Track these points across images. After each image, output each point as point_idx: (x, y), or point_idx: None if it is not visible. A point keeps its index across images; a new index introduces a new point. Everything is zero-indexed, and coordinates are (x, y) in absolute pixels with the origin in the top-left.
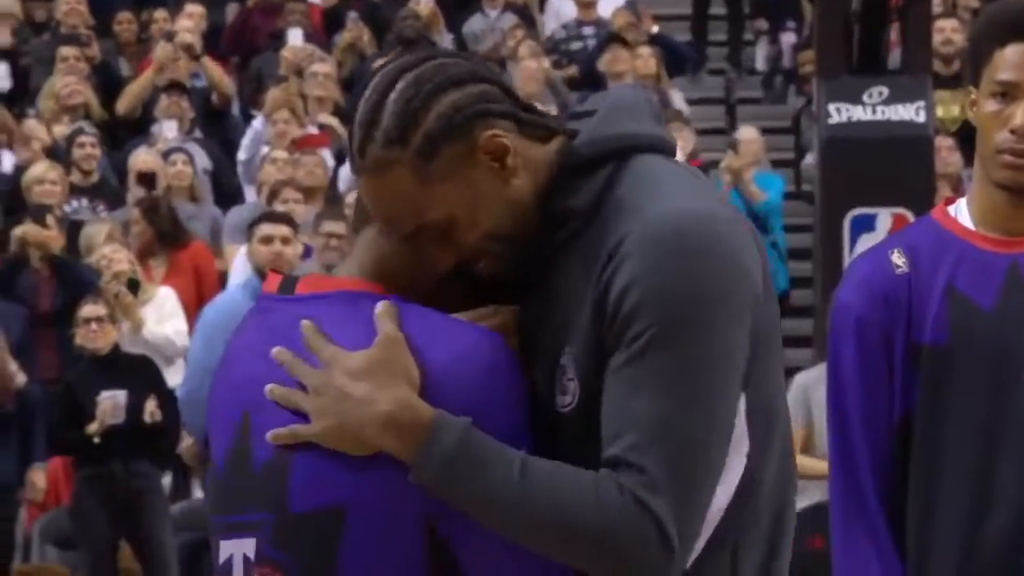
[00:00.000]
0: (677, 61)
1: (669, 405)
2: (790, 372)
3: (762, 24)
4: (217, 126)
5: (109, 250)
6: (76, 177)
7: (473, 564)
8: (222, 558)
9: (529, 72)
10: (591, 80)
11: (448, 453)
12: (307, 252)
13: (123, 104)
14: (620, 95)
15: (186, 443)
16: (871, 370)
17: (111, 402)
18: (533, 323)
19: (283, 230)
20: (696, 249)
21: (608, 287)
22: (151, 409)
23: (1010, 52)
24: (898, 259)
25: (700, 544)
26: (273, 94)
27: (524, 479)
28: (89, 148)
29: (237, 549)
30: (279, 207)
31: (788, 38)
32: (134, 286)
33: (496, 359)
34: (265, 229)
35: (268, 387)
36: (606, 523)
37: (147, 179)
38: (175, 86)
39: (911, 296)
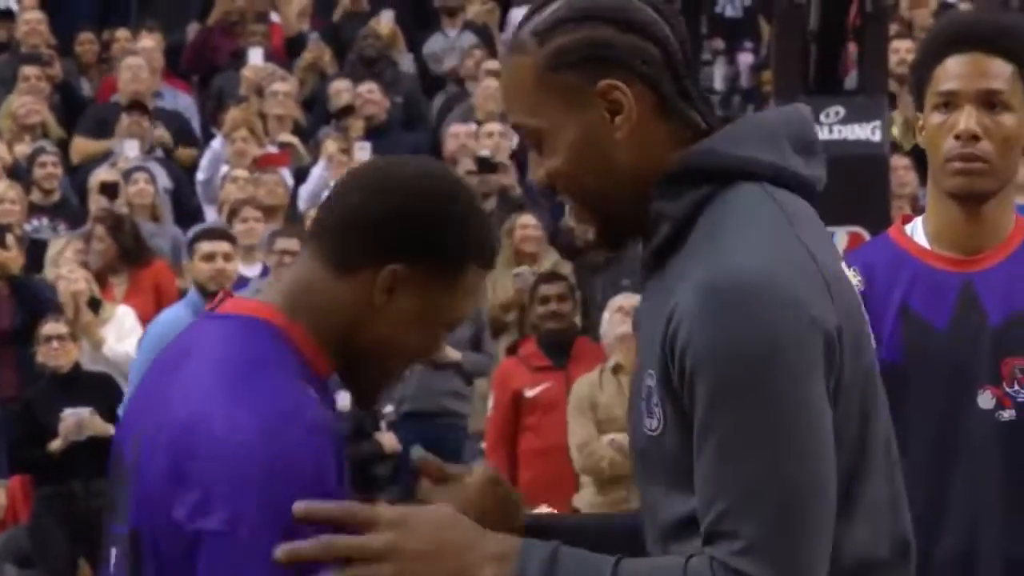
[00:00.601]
0: None
1: (747, 464)
2: None
3: (719, 44)
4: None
5: (66, 270)
6: (36, 196)
7: None
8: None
9: (490, 92)
10: None
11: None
12: (264, 271)
13: None
14: (766, 115)
15: None
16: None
17: (74, 419)
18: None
19: (224, 246)
20: (745, 306)
21: (673, 341)
22: (93, 420)
23: (950, 63)
24: (854, 277)
25: None
26: (232, 114)
27: None
28: (50, 167)
29: (111, 560)
30: (239, 226)
31: (746, 58)
32: (95, 305)
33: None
34: (205, 247)
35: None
36: None
37: (109, 189)
38: (136, 106)
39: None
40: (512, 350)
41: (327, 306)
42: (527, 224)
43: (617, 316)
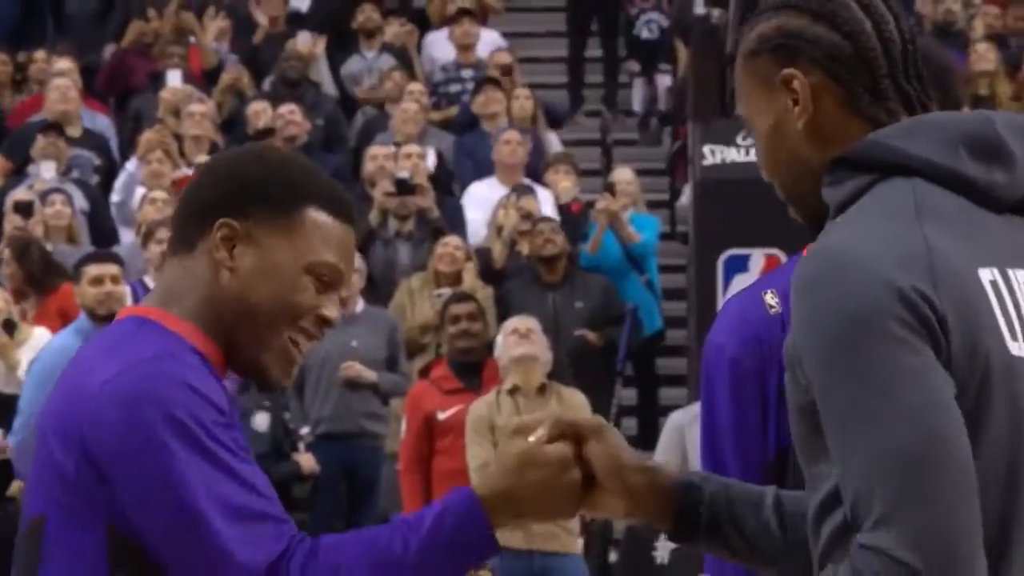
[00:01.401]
0: (551, 117)
1: (854, 438)
2: (665, 410)
3: (634, 66)
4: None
5: None
6: None
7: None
8: None
9: (408, 114)
10: (470, 122)
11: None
12: (136, 291)
13: None
14: (946, 117)
15: (16, 485)
16: (744, 412)
17: None
18: None
19: (111, 269)
20: (826, 280)
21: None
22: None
23: None
24: (771, 299)
25: None
26: (147, 136)
27: None
28: None
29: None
30: (154, 247)
31: (663, 80)
32: (9, 327)
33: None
34: (93, 270)
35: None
36: None
37: (24, 209)
38: (52, 127)
39: (784, 336)
40: (424, 372)
41: (188, 289)
42: (448, 244)
43: (512, 339)
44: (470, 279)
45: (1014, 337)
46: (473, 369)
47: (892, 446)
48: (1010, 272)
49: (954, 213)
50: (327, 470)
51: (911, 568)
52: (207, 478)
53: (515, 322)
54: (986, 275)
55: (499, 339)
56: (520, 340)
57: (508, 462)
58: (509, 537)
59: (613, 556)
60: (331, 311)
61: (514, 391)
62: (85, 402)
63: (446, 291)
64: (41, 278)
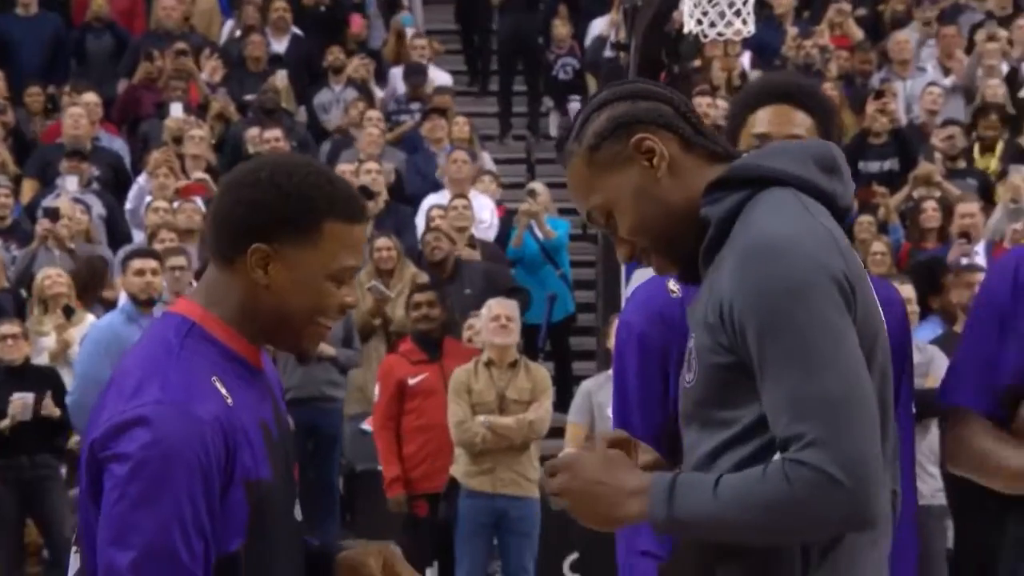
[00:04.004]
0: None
1: (797, 379)
2: (578, 380)
3: (550, 102)
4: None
5: (54, 272)
6: None
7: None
8: None
9: (372, 137)
10: (417, 144)
11: (662, 505)
12: None
13: None
14: (796, 143)
15: (75, 439)
16: (650, 382)
17: (21, 402)
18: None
19: (151, 263)
20: (772, 256)
21: (722, 306)
22: (47, 403)
23: (761, 113)
24: (673, 286)
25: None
26: (155, 156)
27: (716, 496)
28: (3, 197)
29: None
30: (157, 245)
31: (575, 107)
32: (68, 312)
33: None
34: (137, 264)
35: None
36: (781, 494)
37: (51, 213)
38: (75, 153)
39: (683, 315)
40: (393, 348)
41: (226, 295)
42: (382, 246)
43: (493, 325)
44: (408, 272)
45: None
46: (435, 344)
47: (829, 388)
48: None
49: (823, 211)
50: (296, 429)
51: (842, 483)
52: (155, 521)
53: (497, 308)
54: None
55: (483, 312)
56: (500, 329)
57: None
58: (478, 483)
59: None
60: (352, 297)
61: (490, 363)
62: (97, 431)
63: (374, 284)
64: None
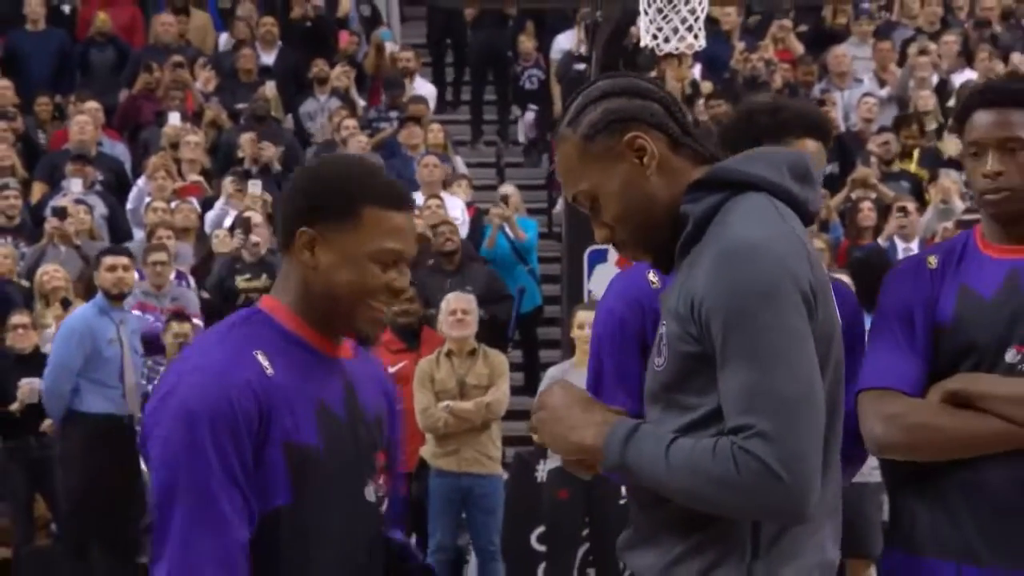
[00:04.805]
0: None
1: (754, 375)
2: (544, 366)
3: (517, 110)
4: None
5: (52, 268)
6: (2, 220)
7: None
8: None
9: (359, 144)
10: (395, 149)
11: (618, 444)
12: (141, 276)
13: None
14: (773, 150)
15: (48, 422)
16: (626, 363)
17: (29, 387)
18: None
19: (123, 260)
20: (745, 259)
21: (693, 300)
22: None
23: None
24: (653, 277)
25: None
26: (153, 160)
27: (667, 457)
28: (12, 199)
29: None
30: (155, 241)
31: (529, 116)
32: (66, 304)
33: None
34: (109, 260)
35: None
36: (727, 475)
37: (59, 212)
38: (80, 157)
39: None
40: None
41: (288, 281)
42: None
43: (451, 319)
44: None
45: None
46: (413, 334)
47: (781, 386)
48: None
49: (793, 217)
50: None
51: (781, 478)
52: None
53: (454, 303)
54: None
55: (443, 306)
56: (456, 323)
57: None
58: (445, 463)
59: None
60: (400, 282)
61: (450, 353)
62: (153, 401)
63: None
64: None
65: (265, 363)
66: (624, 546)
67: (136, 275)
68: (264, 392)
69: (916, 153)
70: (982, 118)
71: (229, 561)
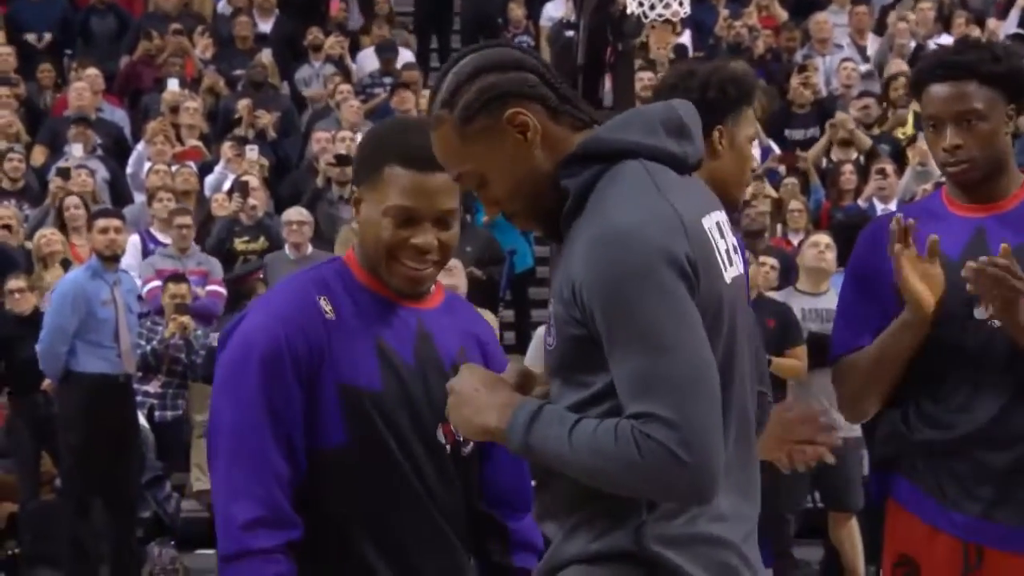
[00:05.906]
0: None
1: (644, 361)
2: (534, 325)
3: None
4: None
5: (48, 232)
6: (6, 184)
7: None
8: None
9: (353, 109)
10: (388, 115)
11: (521, 427)
12: (144, 239)
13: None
14: (645, 109)
15: (47, 382)
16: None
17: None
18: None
19: (115, 222)
20: (618, 246)
21: (573, 284)
22: None
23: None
24: None
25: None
26: (152, 125)
27: (570, 439)
28: (16, 163)
29: None
30: (156, 205)
31: None
32: (66, 264)
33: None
34: (101, 223)
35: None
36: (630, 457)
37: (63, 173)
38: (81, 120)
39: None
40: None
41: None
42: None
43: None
44: None
45: (725, 267)
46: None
47: (671, 369)
48: (710, 216)
49: (673, 180)
50: None
51: (684, 462)
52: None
53: None
54: (706, 222)
55: None
56: (444, 275)
57: None
58: None
59: None
60: (420, 239)
61: None
62: (227, 328)
63: None
64: None
65: (327, 308)
66: (536, 518)
67: (137, 238)
68: (319, 336)
69: (910, 117)
70: (937, 91)
71: (262, 491)
